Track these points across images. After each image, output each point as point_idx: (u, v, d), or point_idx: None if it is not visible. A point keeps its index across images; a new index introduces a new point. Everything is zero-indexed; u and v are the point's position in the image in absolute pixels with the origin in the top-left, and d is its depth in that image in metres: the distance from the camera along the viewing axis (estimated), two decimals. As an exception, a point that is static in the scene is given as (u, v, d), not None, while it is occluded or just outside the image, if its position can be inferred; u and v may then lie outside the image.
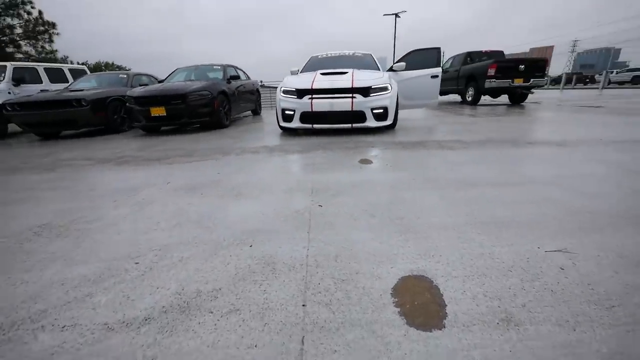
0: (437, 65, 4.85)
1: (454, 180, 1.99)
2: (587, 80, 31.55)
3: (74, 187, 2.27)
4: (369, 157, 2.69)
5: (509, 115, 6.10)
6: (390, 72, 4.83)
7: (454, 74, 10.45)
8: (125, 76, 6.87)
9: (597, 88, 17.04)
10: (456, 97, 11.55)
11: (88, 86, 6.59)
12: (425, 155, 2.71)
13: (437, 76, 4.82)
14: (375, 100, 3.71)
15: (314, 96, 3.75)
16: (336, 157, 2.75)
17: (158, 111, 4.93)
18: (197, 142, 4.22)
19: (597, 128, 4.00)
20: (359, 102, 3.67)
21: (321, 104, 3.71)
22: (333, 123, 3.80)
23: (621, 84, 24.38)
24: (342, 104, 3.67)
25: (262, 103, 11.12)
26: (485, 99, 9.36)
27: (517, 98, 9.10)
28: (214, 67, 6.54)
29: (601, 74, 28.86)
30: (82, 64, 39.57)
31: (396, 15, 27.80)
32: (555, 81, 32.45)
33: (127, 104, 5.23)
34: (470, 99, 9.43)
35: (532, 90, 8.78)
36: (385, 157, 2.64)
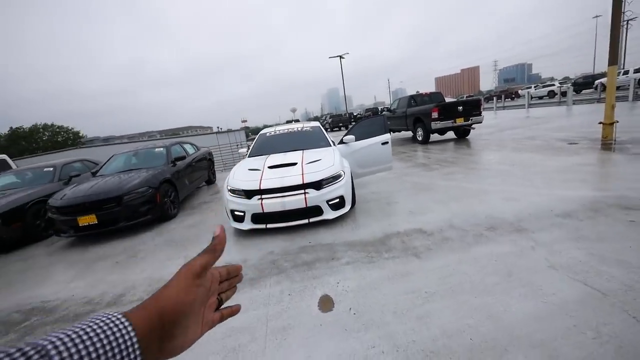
0: (385, 131, 4.90)
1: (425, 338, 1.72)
2: (513, 95, 36.14)
3: None
4: (330, 291, 2.32)
5: (459, 164, 6.33)
6: (341, 145, 4.78)
7: (401, 114, 11.05)
8: (51, 169, 6.06)
9: (523, 105, 19.15)
10: (408, 134, 12.14)
11: (3, 187, 5.69)
12: (390, 276, 2.47)
13: (387, 142, 4.84)
14: (330, 191, 3.51)
15: (263, 196, 3.46)
16: (292, 298, 2.37)
17: (87, 220, 4.27)
18: (115, 261, 3.64)
19: (542, 182, 4.18)
20: (313, 197, 3.43)
21: (272, 204, 3.41)
22: (288, 221, 3.49)
23: (540, 97, 27.98)
24: (295, 201, 3.40)
25: (220, 152, 10.67)
26: (434, 135, 9.95)
27: (462, 133, 9.78)
28: (156, 149, 6.05)
29: (524, 89, 33.36)
30: (16, 129, 36.06)
31: (340, 57, 29.99)
32: (487, 99, 36.43)
33: (49, 213, 4.49)
34: (420, 138, 9.92)
35: (473, 126, 9.48)
36: (348, 291, 2.30)
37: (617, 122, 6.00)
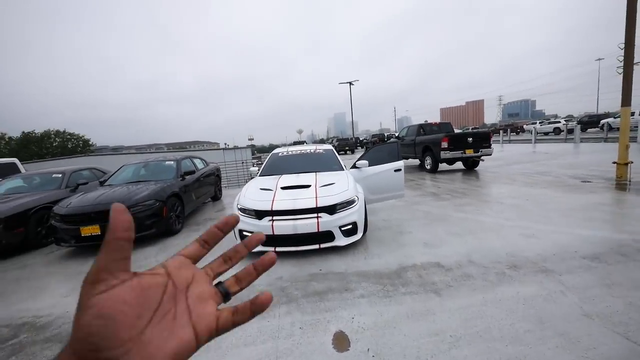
0: (398, 159, 4.85)
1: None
2: (518, 130, 36.68)
3: None
4: (345, 327, 2.15)
5: (470, 195, 6.22)
6: (354, 170, 4.72)
7: (410, 142, 11.11)
8: (60, 175, 6.04)
9: (530, 140, 19.26)
10: (415, 161, 12.15)
11: (10, 190, 5.64)
12: (409, 314, 2.30)
13: (400, 169, 4.78)
14: (343, 217, 3.39)
15: (274, 218, 3.35)
16: (304, 332, 2.19)
17: (91, 230, 4.16)
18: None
19: (560, 220, 4.05)
20: (326, 222, 3.32)
21: (284, 227, 3.29)
22: (298, 245, 3.36)
23: (546, 134, 28.24)
24: (307, 225, 3.29)
25: (226, 168, 10.64)
26: (442, 165, 9.96)
27: (471, 164, 9.74)
28: (167, 162, 6.04)
29: (529, 124, 33.96)
30: (28, 133, 36.81)
31: (350, 83, 30.90)
32: (492, 132, 37.06)
33: (52, 220, 4.39)
34: (429, 167, 9.89)
35: (482, 158, 9.46)
36: (364, 329, 2.13)
37: (632, 162, 5.93)
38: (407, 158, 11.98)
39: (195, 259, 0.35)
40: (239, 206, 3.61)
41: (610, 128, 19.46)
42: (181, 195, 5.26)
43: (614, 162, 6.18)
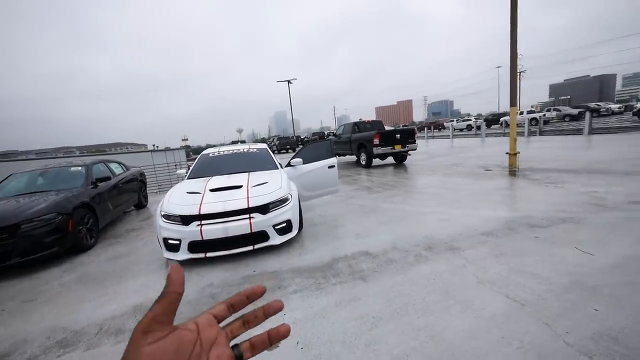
0: (332, 155, 5.03)
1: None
2: (440, 127, 41.75)
3: None
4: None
5: (399, 187, 6.79)
6: (289, 168, 4.74)
7: (346, 140, 11.63)
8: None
9: (448, 136, 21.95)
10: (352, 157, 12.77)
11: None
12: (337, 302, 2.42)
13: (333, 166, 4.97)
14: (276, 215, 3.38)
15: (203, 222, 3.16)
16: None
17: (-38, 255, 3.34)
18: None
19: (469, 204, 4.71)
20: (259, 222, 3.27)
21: (213, 231, 3.13)
22: (231, 248, 3.23)
23: (461, 129, 32.61)
24: (239, 227, 3.19)
25: (155, 172, 9.63)
26: (376, 160, 10.71)
27: (400, 158, 10.66)
28: (72, 168, 5.19)
29: (448, 122, 38.88)
30: None
31: (289, 82, 30.87)
32: (419, 129, 41.42)
33: None
34: (364, 162, 10.51)
35: (409, 152, 10.44)
36: (295, 323, 2.16)
37: (519, 152, 7.23)
38: (344, 155, 12.53)
39: (220, 320, 0.38)
40: (162, 212, 3.32)
41: (507, 124, 23.49)
42: (93, 206, 4.58)
43: (507, 153, 7.44)
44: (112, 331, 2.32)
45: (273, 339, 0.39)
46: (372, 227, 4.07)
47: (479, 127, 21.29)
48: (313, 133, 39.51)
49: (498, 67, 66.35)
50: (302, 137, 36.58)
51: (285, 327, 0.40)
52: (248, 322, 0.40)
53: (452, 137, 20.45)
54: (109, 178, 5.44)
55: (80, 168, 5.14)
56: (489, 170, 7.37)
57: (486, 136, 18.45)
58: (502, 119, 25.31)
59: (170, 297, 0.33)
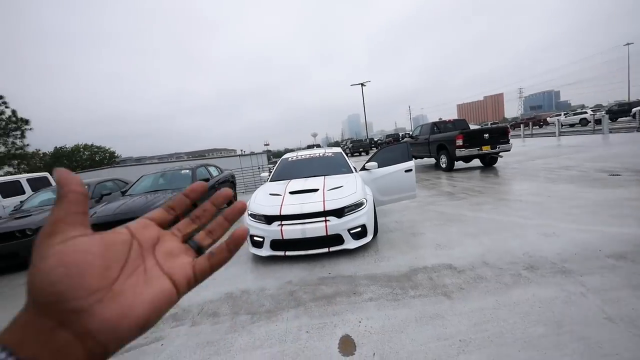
0: (408, 159, 4.77)
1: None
2: (542, 123, 34.62)
3: None
4: (352, 331, 2.12)
5: (488, 194, 6.01)
6: (364, 172, 4.69)
7: (424, 141, 10.90)
8: (86, 187, 6.40)
9: (554, 133, 18.32)
10: (431, 160, 11.90)
11: (43, 202, 6.05)
12: (417, 317, 2.26)
13: (410, 170, 4.70)
14: (351, 219, 3.38)
15: (283, 222, 3.39)
16: (311, 336, 2.21)
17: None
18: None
19: (584, 217, 3.83)
20: (334, 225, 3.32)
21: (292, 231, 3.33)
22: (307, 249, 3.38)
23: (572, 125, 26.77)
24: (315, 229, 3.30)
25: (242, 174, 10.89)
26: (459, 163, 9.70)
27: (489, 161, 9.40)
28: (182, 171, 6.28)
29: (552, 116, 32.09)
30: (60, 148, 39.32)
31: (362, 84, 30.79)
32: (513, 126, 35.44)
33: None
34: (444, 165, 9.65)
35: (501, 154, 9.12)
36: (371, 333, 2.10)
37: (666, 153, 5.52)
38: (421, 157, 11.75)
39: (159, 223, 0.33)
40: (249, 211, 3.68)
41: (644, 116, 18.15)
42: (197, 203, 5.42)
43: (645, 153, 5.77)
44: (210, 313, 2.67)
45: (230, 217, 0.34)
46: (456, 238, 3.68)
47: (598, 121, 17.11)
48: (387, 135, 38.38)
49: (628, 44, 52.58)
50: (375, 140, 35.94)
51: (241, 203, 0.36)
52: (198, 218, 0.35)
53: (559, 135, 17.06)
54: (208, 179, 6.37)
55: (188, 171, 6.18)
56: (616, 175, 5.84)
57: (610, 132, 14.75)
58: (635, 109, 19.59)
59: (70, 198, 0.27)
